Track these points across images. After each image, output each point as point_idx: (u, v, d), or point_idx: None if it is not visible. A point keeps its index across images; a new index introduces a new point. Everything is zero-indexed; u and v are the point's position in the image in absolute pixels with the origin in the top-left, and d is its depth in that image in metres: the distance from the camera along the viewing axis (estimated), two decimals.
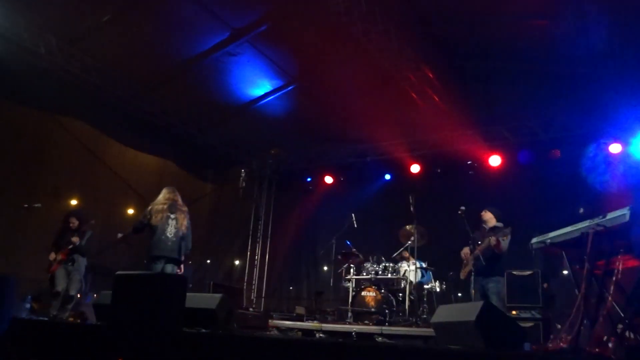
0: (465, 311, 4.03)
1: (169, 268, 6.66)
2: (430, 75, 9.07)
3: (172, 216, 6.73)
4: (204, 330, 4.36)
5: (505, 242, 6.29)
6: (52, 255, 7.07)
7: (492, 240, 6.27)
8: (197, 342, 3.91)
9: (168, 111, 10.38)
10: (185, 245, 6.84)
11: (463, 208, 6.73)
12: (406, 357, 3.30)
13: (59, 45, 8.46)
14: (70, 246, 7.08)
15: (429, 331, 6.43)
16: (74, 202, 10.33)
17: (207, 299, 4.76)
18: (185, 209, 6.95)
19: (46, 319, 6.23)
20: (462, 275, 6.80)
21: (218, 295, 4.75)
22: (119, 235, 7.14)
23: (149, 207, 6.83)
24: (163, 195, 6.92)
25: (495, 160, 10.14)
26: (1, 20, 7.74)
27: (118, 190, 10.47)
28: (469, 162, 10.39)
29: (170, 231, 6.66)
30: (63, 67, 8.64)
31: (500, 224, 6.55)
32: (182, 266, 6.86)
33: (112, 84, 9.38)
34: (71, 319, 6.85)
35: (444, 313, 4.47)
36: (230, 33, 8.56)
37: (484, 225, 6.72)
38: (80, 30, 8.40)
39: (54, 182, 9.16)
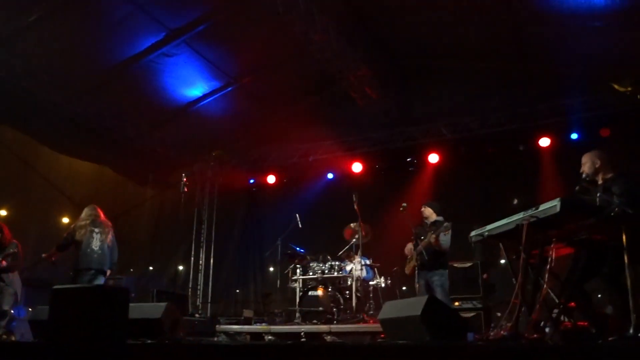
0: (411, 306, 4.13)
1: (100, 279, 6.77)
2: (370, 75, 9.21)
3: (96, 230, 6.90)
4: (149, 341, 4.25)
5: (446, 238, 6.47)
6: None
7: (432, 237, 6.45)
8: (142, 354, 3.81)
9: (103, 115, 9.97)
10: (112, 258, 6.98)
11: (405, 204, 6.88)
12: (355, 355, 3.34)
13: None
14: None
15: (376, 327, 6.54)
16: (3, 212, 9.80)
17: (151, 309, 4.65)
18: (109, 224, 7.12)
19: None
20: (407, 271, 6.95)
21: (163, 304, 4.65)
22: (43, 255, 6.96)
23: (72, 225, 6.98)
24: (85, 213, 7.07)
25: (433, 158, 10.43)
26: None
27: (52, 199, 9.99)
28: (408, 159, 10.65)
29: (95, 244, 6.81)
30: None
31: (440, 218, 6.73)
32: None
33: (43, 87, 8.92)
34: (4, 337, 6.52)
35: (390, 309, 4.56)
36: (166, 34, 8.38)
37: (425, 221, 6.89)
38: (5, 32, 7.96)
39: None
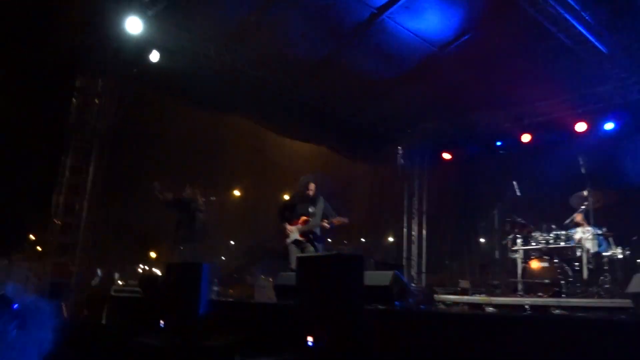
0: None
1: None
2: (591, 22, 8.20)
3: None
4: (380, 307, 4.49)
5: None
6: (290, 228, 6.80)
7: None
8: (377, 319, 4.04)
9: (319, 96, 10.68)
10: None
11: None
12: (602, 331, 3.09)
13: (218, 49, 9.09)
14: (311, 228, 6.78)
15: (614, 302, 5.95)
16: (236, 192, 11.23)
17: (380, 276, 4.88)
18: None
19: (231, 299, 6.75)
20: None
21: (390, 272, 4.84)
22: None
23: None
24: None
25: None
26: (168, 36, 8.53)
27: (278, 179, 11.14)
28: None
29: None
30: (224, 68, 9.24)
31: None
32: None
33: (268, 77, 9.86)
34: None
35: None
36: (371, 12, 8.55)
37: None
38: (241, 27, 8.89)
39: (226, 176, 10.05)
